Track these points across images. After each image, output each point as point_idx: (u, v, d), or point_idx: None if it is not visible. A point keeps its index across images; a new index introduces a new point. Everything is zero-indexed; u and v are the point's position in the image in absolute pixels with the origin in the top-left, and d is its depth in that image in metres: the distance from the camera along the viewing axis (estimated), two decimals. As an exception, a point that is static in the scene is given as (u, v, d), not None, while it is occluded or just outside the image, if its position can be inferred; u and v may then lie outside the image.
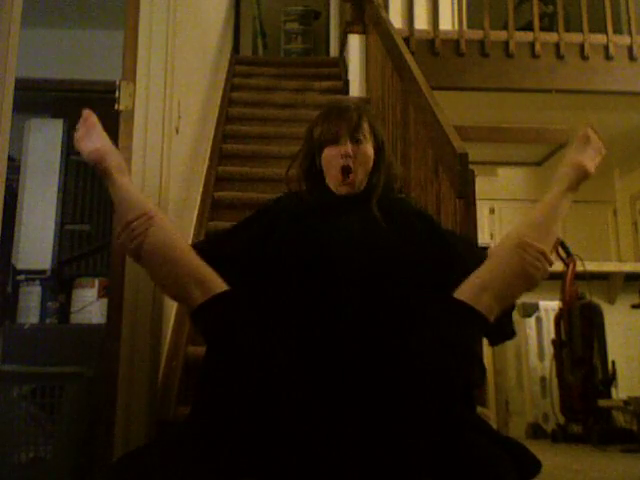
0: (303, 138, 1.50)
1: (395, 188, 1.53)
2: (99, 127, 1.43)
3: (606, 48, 4.33)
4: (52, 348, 2.07)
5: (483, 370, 1.33)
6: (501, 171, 5.88)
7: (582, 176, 1.40)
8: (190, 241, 2.45)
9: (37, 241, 2.43)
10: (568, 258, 3.96)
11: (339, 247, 1.31)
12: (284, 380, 1.14)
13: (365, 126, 1.42)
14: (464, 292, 1.24)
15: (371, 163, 1.43)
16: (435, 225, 1.47)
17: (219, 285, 1.27)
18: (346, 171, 1.39)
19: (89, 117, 1.43)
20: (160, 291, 1.37)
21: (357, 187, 1.41)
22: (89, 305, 2.34)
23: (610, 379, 3.73)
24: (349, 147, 1.39)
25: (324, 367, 1.17)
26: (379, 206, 1.40)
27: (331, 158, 1.41)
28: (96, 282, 2.37)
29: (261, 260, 1.34)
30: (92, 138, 1.41)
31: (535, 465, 1.18)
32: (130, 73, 1.86)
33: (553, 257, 1.33)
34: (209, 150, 3.17)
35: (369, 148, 1.42)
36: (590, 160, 1.40)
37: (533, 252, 1.25)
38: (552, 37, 4.36)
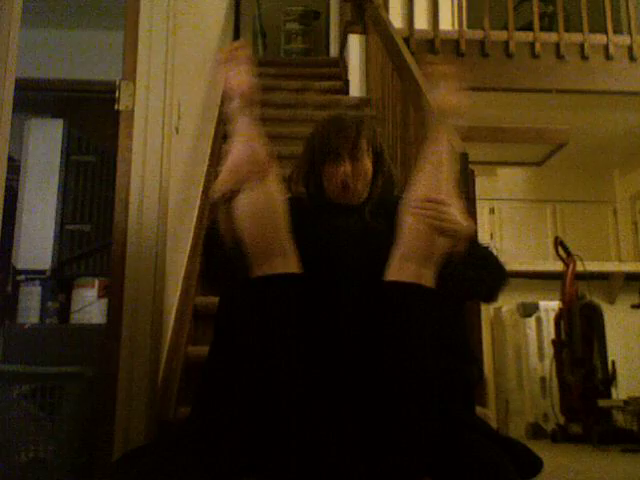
0: (303, 148, 1.53)
1: (394, 191, 1.54)
2: (247, 63, 1.33)
3: (606, 48, 4.33)
4: (52, 348, 2.07)
5: (480, 368, 1.33)
6: (501, 171, 5.88)
7: (448, 112, 1.36)
8: (190, 240, 2.46)
9: (37, 241, 2.43)
10: (568, 258, 3.96)
11: (338, 248, 1.32)
12: (284, 380, 1.14)
13: (363, 142, 1.45)
14: (388, 271, 1.23)
15: (370, 175, 1.46)
16: None
17: (297, 264, 1.24)
18: (345, 186, 1.43)
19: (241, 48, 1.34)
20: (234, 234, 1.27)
21: (357, 198, 1.45)
22: (89, 305, 2.34)
23: (610, 379, 3.73)
24: (348, 167, 1.43)
25: (324, 367, 1.18)
26: (378, 208, 1.43)
27: (331, 175, 1.45)
28: (96, 282, 2.37)
29: None
30: (236, 72, 1.31)
31: (536, 464, 1.18)
32: (130, 73, 1.86)
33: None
34: (209, 150, 3.17)
35: (367, 163, 1.46)
36: (447, 92, 1.37)
37: (420, 204, 1.24)
38: (552, 37, 4.36)
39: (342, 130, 1.45)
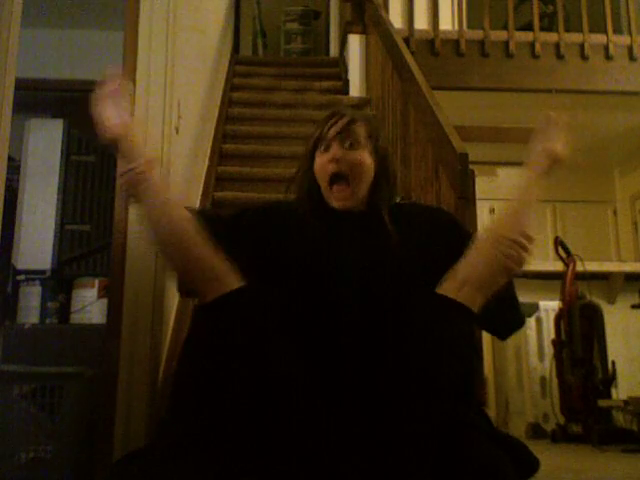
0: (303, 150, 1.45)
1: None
2: (126, 96, 1.27)
3: (606, 48, 4.33)
4: (52, 348, 2.07)
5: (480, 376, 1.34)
6: (501, 171, 5.88)
7: (555, 162, 1.37)
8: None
9: (37, 241, 2.43)
10: (568, 258, 3.96)
11: (342, 263, 1.30)
12: (284, 381, 1.14)
13: (359, 132, 1.34)
14: (445, 287, 1.24)
15: (370, 173, 1.35)
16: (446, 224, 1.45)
17: (234, 280, 1.19)
18: (335, 179, 1.33)
19: (117, 80, 1.28)
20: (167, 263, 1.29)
21: (356, 201, 1.35)
22: (89, 305, 2.34)
23: (610, 379, 3.72)
24: (337, 150, 1.32)
25: (324, 369, 1.18)
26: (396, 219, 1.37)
27: (321, 167, 1.34)
28: (96, 282, 2.37)
29: (263, 267, 1.32)
30: (116, 108, 1.25)
31: (534, 463, 1.18)
32: (130, 73, 1.86)
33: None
34: (209, 150, 3.17)
35: (364, 155, 1.34)
36: (560, 144, 1.37)
37: (508, 243, 1.26)
38: (552, 37, 4.36)
39: (336, 118, 1.36)
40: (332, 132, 1.34)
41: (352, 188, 1.33)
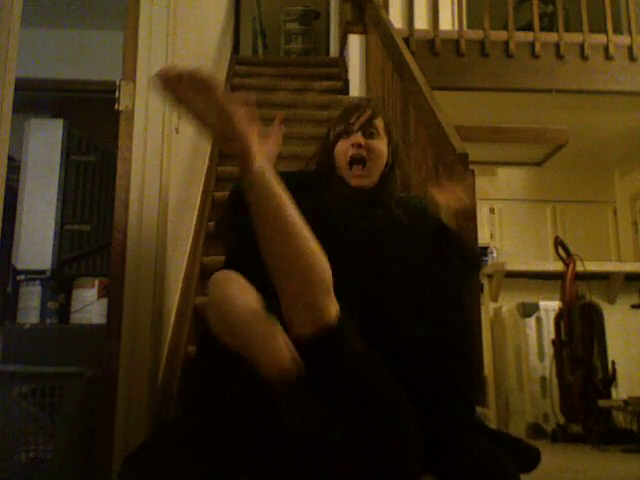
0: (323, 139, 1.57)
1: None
2: None
3: (606, 48, 4.33)
4: (52, 348, 2.07)
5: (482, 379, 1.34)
6: (501, 171, 5.88)
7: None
8: (190, 240, 2.45)
9: (37, 241, 2.43)
10: (568, 258, 3.96)
11: (352, 245, 1.31)
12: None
13: (379, 124, 1.49)
14: None
15: (384, 160, 1.48)
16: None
17: None
18: (354, 161, 1.44)
19: None
20: None
21: (370, 181, 1.46)
22: (89, 305, 2.34)
23: (610, 379, 3.72)
24: (360, 138, 1.45)
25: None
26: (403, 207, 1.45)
27: (342, 150, 1.47)
28: (96, 282, 2.37)
29: None
30: None
31: (534, 456, 1.18)
32: (130, 73, 1.86)
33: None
34: (209, 150, 3.17)
35: (382, 144, 1.48)
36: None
37: None
38: (552, 37, 4.36)
39: (358, 109, 1.49)
40: (357, 125, 1.47)
41: (368, 169, 1.46)
